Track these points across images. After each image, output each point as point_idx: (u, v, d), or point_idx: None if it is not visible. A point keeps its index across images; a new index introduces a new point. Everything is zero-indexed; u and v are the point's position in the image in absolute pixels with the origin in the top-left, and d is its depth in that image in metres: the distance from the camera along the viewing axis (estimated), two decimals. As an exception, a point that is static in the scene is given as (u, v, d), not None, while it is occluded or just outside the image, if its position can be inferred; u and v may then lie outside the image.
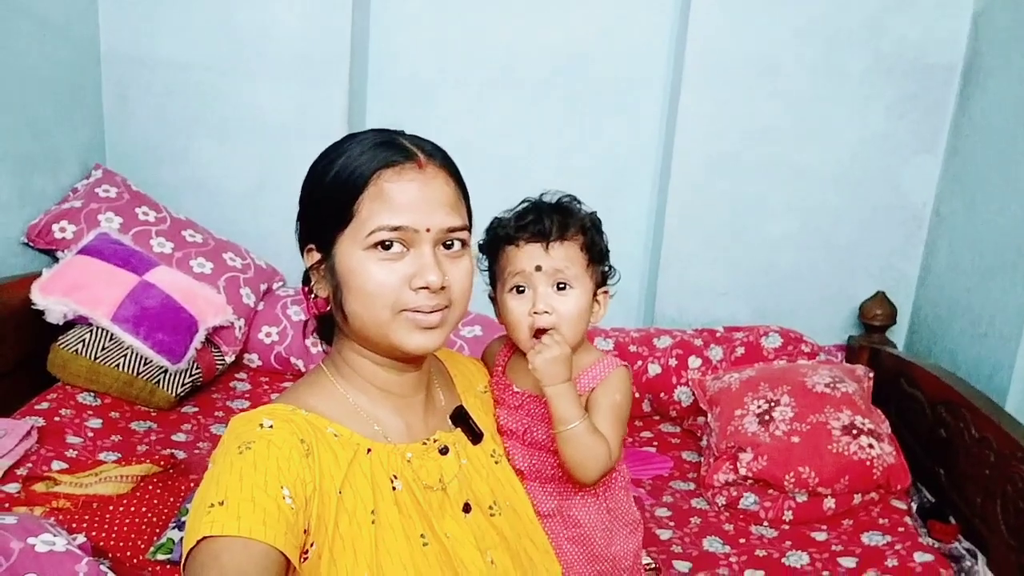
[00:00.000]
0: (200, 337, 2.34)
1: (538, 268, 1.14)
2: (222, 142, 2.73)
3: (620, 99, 2.70)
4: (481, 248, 1.18)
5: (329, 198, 0.96)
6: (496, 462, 1.14)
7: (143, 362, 2.26)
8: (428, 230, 0.95)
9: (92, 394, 2.26)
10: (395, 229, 0.94)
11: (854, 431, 2.08)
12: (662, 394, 2.52)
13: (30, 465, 1.91)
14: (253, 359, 2.58)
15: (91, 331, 2.26)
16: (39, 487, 1.83)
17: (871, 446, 2.05)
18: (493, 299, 1.20)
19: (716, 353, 2.53)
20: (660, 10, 2.62)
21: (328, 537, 0.92)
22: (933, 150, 2.58)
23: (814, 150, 2.60)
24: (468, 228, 1.01)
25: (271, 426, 0.92)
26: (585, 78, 2.69)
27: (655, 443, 2.43)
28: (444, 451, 1.05)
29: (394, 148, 0.96)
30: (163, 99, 2.69)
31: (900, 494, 2.09)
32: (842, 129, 2.58)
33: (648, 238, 2.79)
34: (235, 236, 2.69)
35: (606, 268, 1.21)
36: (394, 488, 0.98)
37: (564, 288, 1.15)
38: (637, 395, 2.53)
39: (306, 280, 1.05)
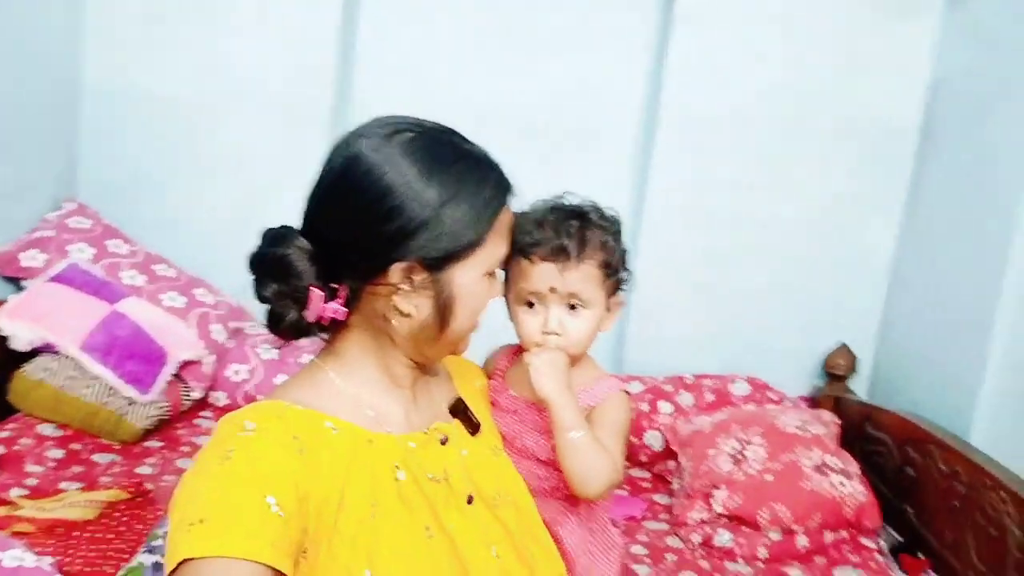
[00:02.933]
0: (170, 369, 2.30)
1: (552, 290, 1.13)
2: (199, 180, 2.73)
3: (594, 151, 2.78)
4: None
5: (470, 226, 0.98)
6: (496, 456, 1.13)
7: (109, 393, 2.21)
8: None
9: (53, 425, 2.20)
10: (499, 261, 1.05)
11: (826, 470, 2.12)
12: (633, 439, 2.53)
13: (-10, 491, 1.85)
14: (220, 397, 2.53)
15: (57, 360, 2.21)
16: (0, 511, 1.76)
17: (843, 484, 2.09)
18: (504, 294, 1.20)
19: (686, 399, 2.56)
20: (635, 65, 2.73)
21: (328, 533, 0.90)
22: (892, 209, 2.70)
23: (781, 206, 2.70)
24: None
25: (253, 429, 0.90)
26: (560, 130, 2.77)
27: (626, 487, 2.43)
28: (444, 441, 1.04)
29: (504, 183, 1.03)
30: (141, 134, 2.69)
31: (869, 533, 2.12)
32: (808, 186, 2.69)
33: (618, 288, 2.85)
34: (207, 274, 2.66)
35: (622, 275, 1.20)
36: (397, 479, 0.97)
37: (576, 308, 1.14)
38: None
39: (321, 283, 0.98)
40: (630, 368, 2.78)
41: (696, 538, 2.10)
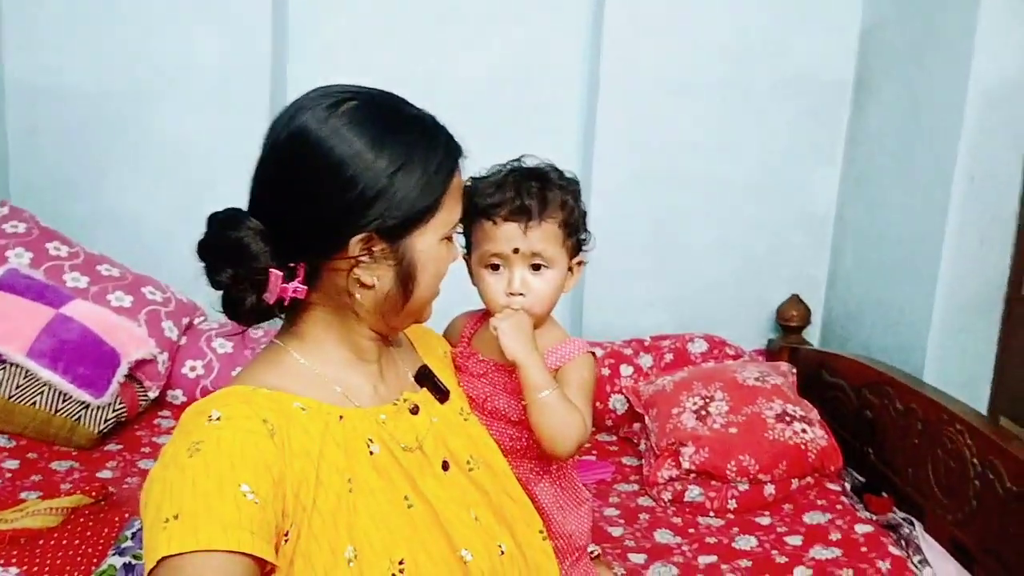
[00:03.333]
0: (123, 370, 2.25)
1: (516, 251, 1.14)
2: (138, 173, 2.66)
3: (539, 123, 2.76)
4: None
5: (426, 192, 0.97)
6: (465, 419, 1.13)
7: (62, 398, 2.15)
8: None
9: (6, 436, 2.15)
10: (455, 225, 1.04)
11: (787, 418, 2.16)
12: (597, 404, 2.54)
13: (-55, 508, 1.79)
14: (177, 395, 2.48)
15: (3, 369, 2.15)
16: (-42, 525, 1.70)
17: (804, 431, 2.14)
18: (467, 258, 1.20)
19: (646, 361, 2.59)
20: (575, 33, 2.72)
21: (307, 513, 0.89)
22: (832, 160, 2.75)
23: (726, 164, 2.73)
24: None
25: (219, 418, 0.88)
26: (503, 104, 2.75)
27: (594, 452, 2.45)
28: (415, 411, 1.04)
29: (453, 147, 1.01)
30: (74, 130, 2.61)
31: (833, 476, 2.17)
32: (751, 143, 2.72)
33: (571, 256, 2.86)
34: (152, 270, 2.60)
35: (582, 236, 1.21)
36: (371, 452, 0.97)
37: (540, 268, 1.15)
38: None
39: (278, 263, 0.94)
40: (589, 334, 2.79)
41: (667, 496, 2.13)
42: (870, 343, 2.52)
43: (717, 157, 2.73)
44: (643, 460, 2.30)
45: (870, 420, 2.21)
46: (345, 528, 0.91)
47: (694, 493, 2.11)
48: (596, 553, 1.41)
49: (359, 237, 0.94)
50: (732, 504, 2.09)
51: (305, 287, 0.96)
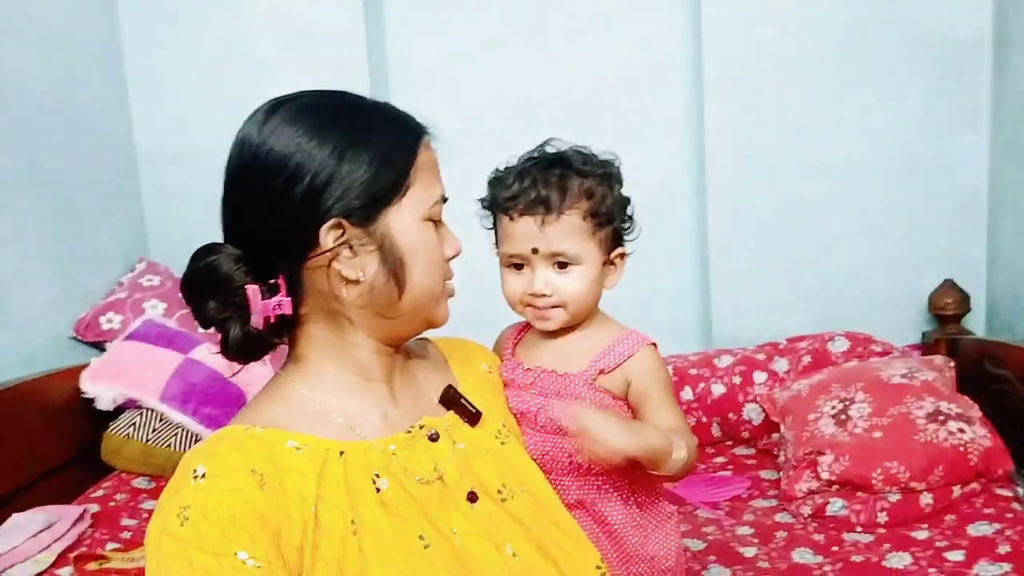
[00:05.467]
0: (249, 409, 2.32)
1: (535, 251, 1.05)
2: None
3: (643, 125, 2.65)
4: (483, 205, 1.10)
5: (386, 166, 0.92)
6: (502, 443, 1.02)
7: (194, 439, 2.24)
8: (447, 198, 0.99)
9: (147, 478, 2.24)
10: (445, 199, 0.98)
11: (940, 417, 1.92)
12: (731, 415, 2.38)
13: (84, 548, 1.88)
14: (307, 429, 2.53)
15: (141, 414, 2.26)
16: (91, 566, 1.78)
17: (962, 431, 1.89)
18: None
19: (781, 365, 2.39)
20: (672, 27, 2.60)
21: (310, 560, 0.83)
22: (977, 127, 2.46)
23: (852, 144, 2.50)
24: None
25: (203, 475, 0.82)
26: (605, 111, 2.66)
27: (729, 467, 2.28)
28: (434, 438, 0.95)
29: (412, 123, 0.97)
30: (200, 187, 2.71)
31: (1003, 480, 1.90)
32: (877, 118, 2.49)
33: (693, 261, 2.70)
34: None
35: (622, 225, 1.10)
36: (378, 489, 0.88)
37: (566, 266, 1.06)
38: (704, 419, 2.40)
39: (254, 280, 0.91)
40: (720, 342, 2.63)
41: (806, 510, 1.93)
42: (1045, 327, 2.21)
43: (842, 135, 2.51)
44: (782, 473, 2.11)
45: (1043, 413, 1.93)
46: (353, 574, 0.84)
47: (837, 506, 1.90)
48: None
49: (327, 225, 0.89)
50: (882, 517, 1.87)
51: (289, 299, 0.91)
